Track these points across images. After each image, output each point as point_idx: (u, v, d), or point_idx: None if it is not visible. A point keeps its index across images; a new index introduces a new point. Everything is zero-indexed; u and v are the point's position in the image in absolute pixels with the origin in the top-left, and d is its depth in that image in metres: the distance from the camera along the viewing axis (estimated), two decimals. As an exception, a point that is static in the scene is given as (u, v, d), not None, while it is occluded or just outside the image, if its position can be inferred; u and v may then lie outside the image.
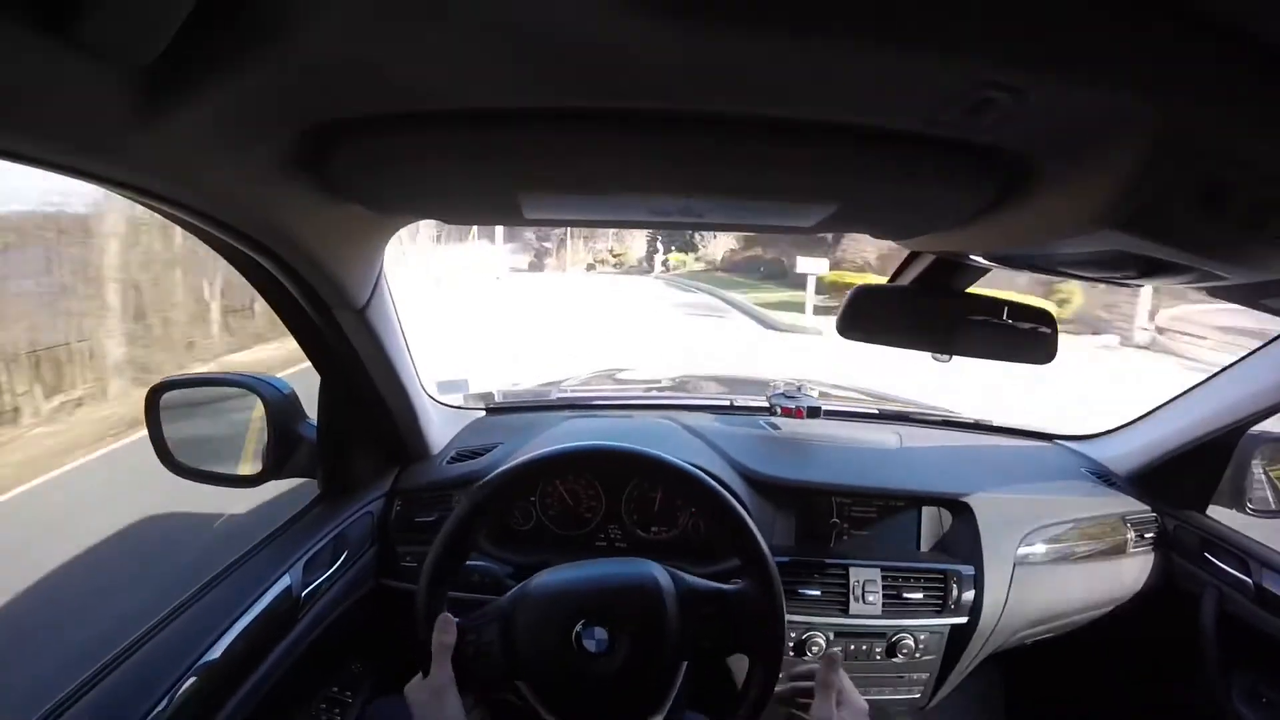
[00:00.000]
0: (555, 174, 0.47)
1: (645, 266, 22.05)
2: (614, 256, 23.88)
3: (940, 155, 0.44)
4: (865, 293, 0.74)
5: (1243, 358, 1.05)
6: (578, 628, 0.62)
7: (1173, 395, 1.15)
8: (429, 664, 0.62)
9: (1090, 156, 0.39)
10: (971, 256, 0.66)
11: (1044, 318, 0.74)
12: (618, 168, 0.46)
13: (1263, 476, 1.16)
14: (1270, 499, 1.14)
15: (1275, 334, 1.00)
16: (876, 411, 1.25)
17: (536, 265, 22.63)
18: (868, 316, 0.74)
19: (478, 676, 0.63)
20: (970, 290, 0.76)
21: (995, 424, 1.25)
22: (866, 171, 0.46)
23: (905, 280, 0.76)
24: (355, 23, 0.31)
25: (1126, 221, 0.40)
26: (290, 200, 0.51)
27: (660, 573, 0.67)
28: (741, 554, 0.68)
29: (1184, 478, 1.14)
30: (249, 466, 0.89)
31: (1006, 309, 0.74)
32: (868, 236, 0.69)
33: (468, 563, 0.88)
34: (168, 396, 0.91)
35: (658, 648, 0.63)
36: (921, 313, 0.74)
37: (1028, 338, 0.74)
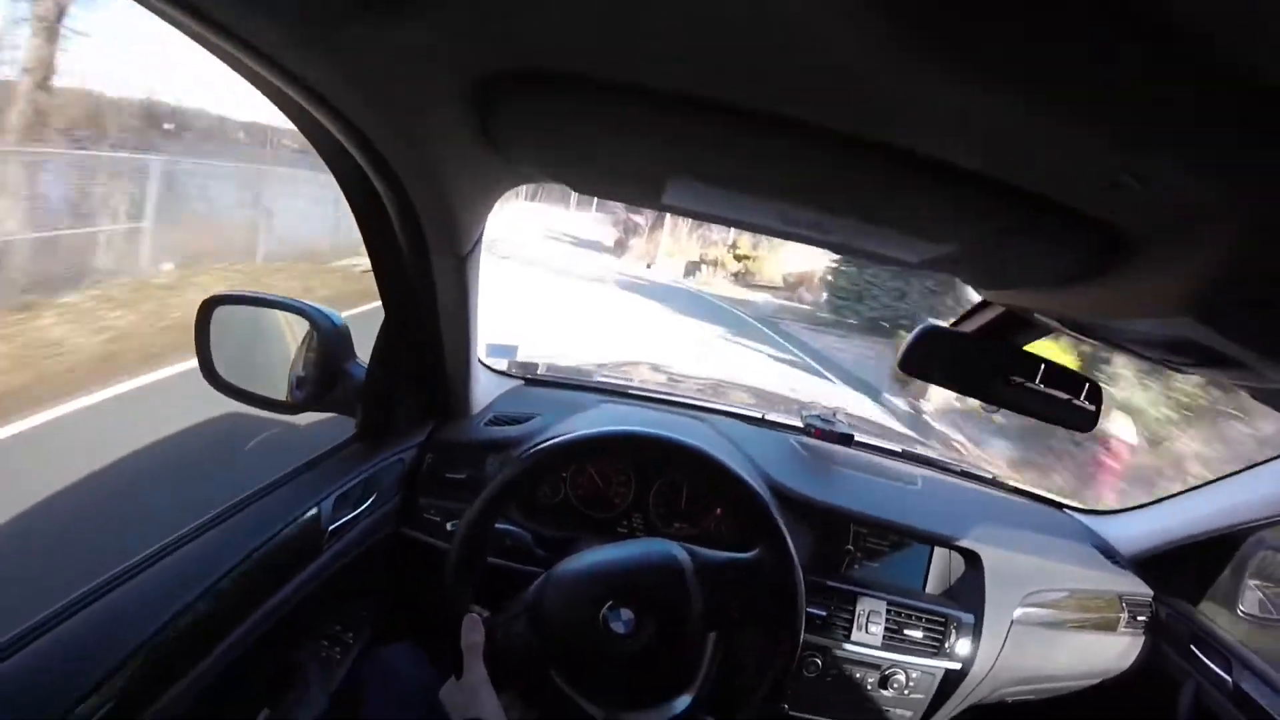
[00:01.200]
0: (705, 163, 0.48)
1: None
2: (739, 260, 14.66)
3: (1055, 219, 0.45)
4: (931, 332, 0.76)
5: (1265, 460, 1.07)
6: (604, 610, 0.64)
7: (1189, 485, 1.17)
8: (459, 665, 0.63)
9: (1190, 244, 0.40)
10: (1039, 316, 0.68)
11: (1093, 390, 0.76)
12: (766, 171, 0.47)
13: (1260, 584, 1.19)
14: (1259, 607, 1.16)
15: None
16: (901, 451, 1.27)
17: (619, 245, 16.21)
18: (930, 356, 0.76)
19: (511, 671, 0.64)
20: (1027, 349, 0.78)
21: (1011, 484, 1.27)
22: (987, 220, 0.47)
23: (969, 327, 0.78)
24: None
25: (1208, 312, 0.41)
26: (443, 136, 0.52)
27: (678, 550, 0.69)
28: (757, 529, 0.70)
29: (1184, 568, 1.16)
30: (289, 393, 0.90)
31: (1058, 373, 0.76)
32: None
33: (501, 525, 0.90)
34: (220, 310, 0.92)
35: (683, 622, 0.65)
36: (979, 361, 0.75)
37: (1073, 405, 0.76)
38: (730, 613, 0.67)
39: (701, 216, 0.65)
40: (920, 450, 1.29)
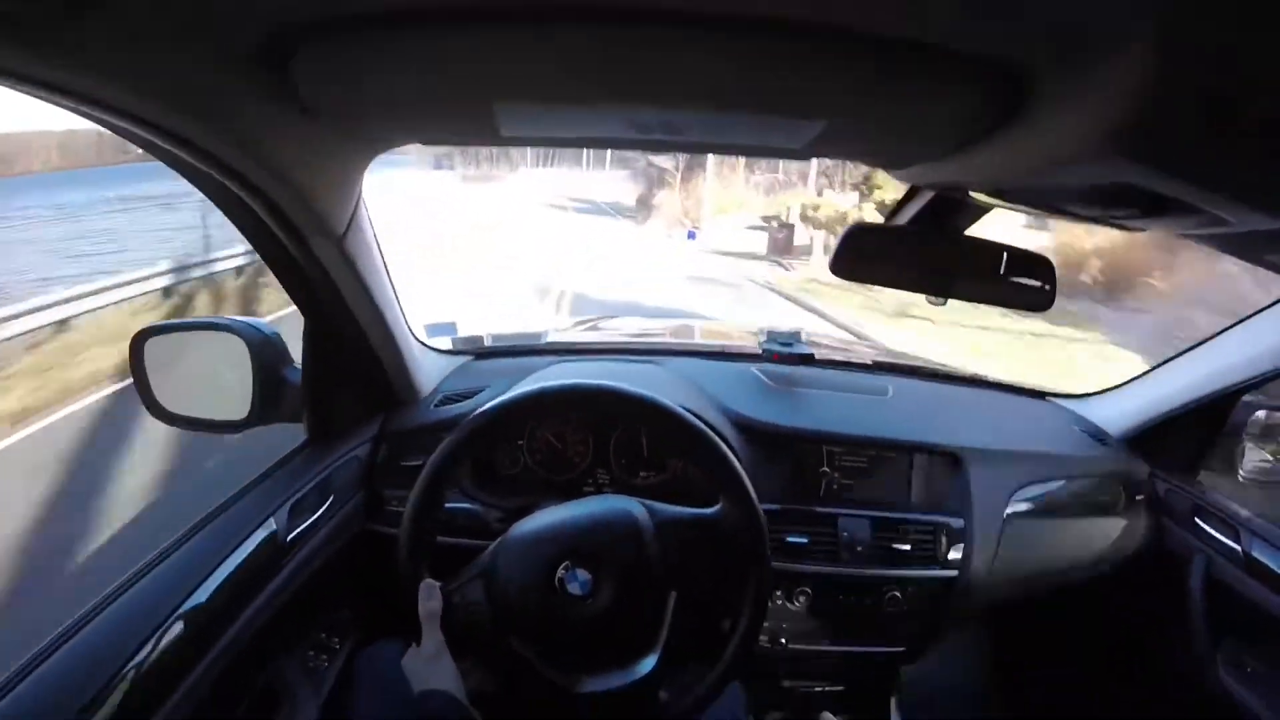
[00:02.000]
0: (532, 82, 0.45)
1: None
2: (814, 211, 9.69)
3: (934, 69, 0.41)
4: (860, 231, 0.73)
5: (1242, 320, 1.04)
6: (560, 572, 0.62)
7: (1169, 356, 1.14)
8: (419, 632, 0.62)
9: (1093, 72, 0.37)
10: (971, 195, 0.65)
11: (1043, 265, 0.73)
12: (597, 75, 0.44)
13: (1259, 446, 1.16)
14: (1262, 468, 1.14)
15: (1276, 297, 0.99)
16: (871, 362, 1.24)
17: (644, 205, 12.86)
18: (862, 255, 0.72)
19: (469, 638, 0.63)
20: (969, 233, 0.74)
21: (990, 379, 1.25)
22: (856, 84, 0.43)
23: (902, 219, 0.75)
24: None
25: (1131, 146, 0.38)
26: (254, 111, 0.49)
27: (636, 506, 0.67)
28: (719, 481, 0.68)
29: (1178, 441, 1.13)
30: (235, 411, 0.88)
31: (1005, 254, 0.73)
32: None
33: (451, 505, 0.88)
34: (151, 342, 0.90)
35: (642, 582, 0.63)
36: (917, 254, 0.72)
37: (1025, 284, 0.73)
38: (692, 571, 0.65)
39: (544, 142, 0.62)
40: (890, 358, 1.26)
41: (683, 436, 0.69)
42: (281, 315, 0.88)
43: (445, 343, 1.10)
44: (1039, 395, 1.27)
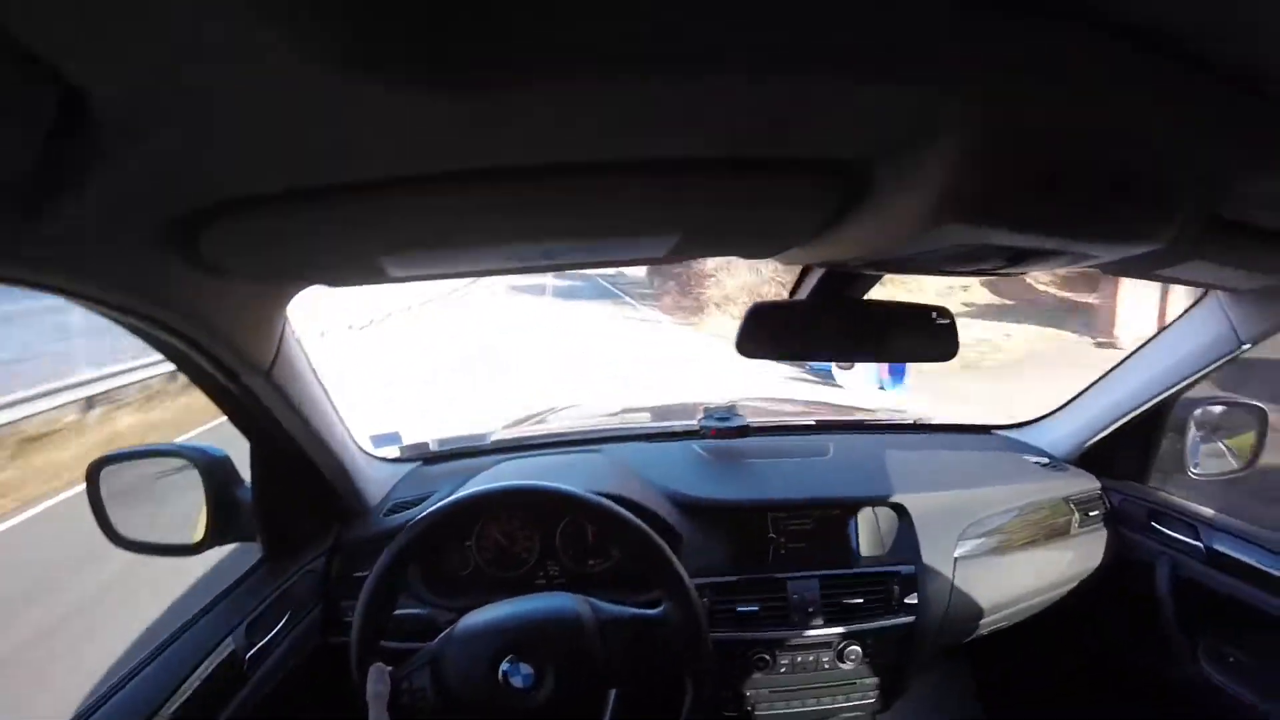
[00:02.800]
0: (416, 235, 0.49)
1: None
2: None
3: (770, 176, 0.44)
4: (761, 310, 0.75)
5: (1164, 328, 1.09)
6: (504, 665, 0.64)
7: (1101, 374, 1.18)
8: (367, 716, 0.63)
9: (921, 154, 0.40)
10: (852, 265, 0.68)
11: (943, 315, 0.76)
12: (473, 226, 0.48)
13: (1204, 442, 1.19)
14: (1212, 462, 1.16)
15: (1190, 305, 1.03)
16: (813, 423, 1.26)
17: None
18: (766, 334, 0.74)
19: None
20: (868, 298, 0.77)
21: (931, 423, 1.27)
22: (701, 200, 0.47)
23: (803, 294, 0.78)
24: (193, 131, 0.33)
25: (969, 213, 0.41)
26: (173, 280, 0.52)
27: (580, 604, 0.68)
28: (659, 579, 0.70)
29: (1124, 452, 1.17)
30: (191, 534, 0.90)
31: (905, 312, 0.76)
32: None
33: (401, 612, 0.89)
34: (107, 471, 0.92)
35: (583, 678, 0.65)
36: (820, 325, 0.75)
37: (928, 338, 0.76)
38: (634, 668, 0.66)
39: (434, 278, 0.65)
40: (830, 416, 1.28)
41: (622, 532, 0.71)
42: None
43: (393, 451, 1.13)
44: (984, 430, 1.31)
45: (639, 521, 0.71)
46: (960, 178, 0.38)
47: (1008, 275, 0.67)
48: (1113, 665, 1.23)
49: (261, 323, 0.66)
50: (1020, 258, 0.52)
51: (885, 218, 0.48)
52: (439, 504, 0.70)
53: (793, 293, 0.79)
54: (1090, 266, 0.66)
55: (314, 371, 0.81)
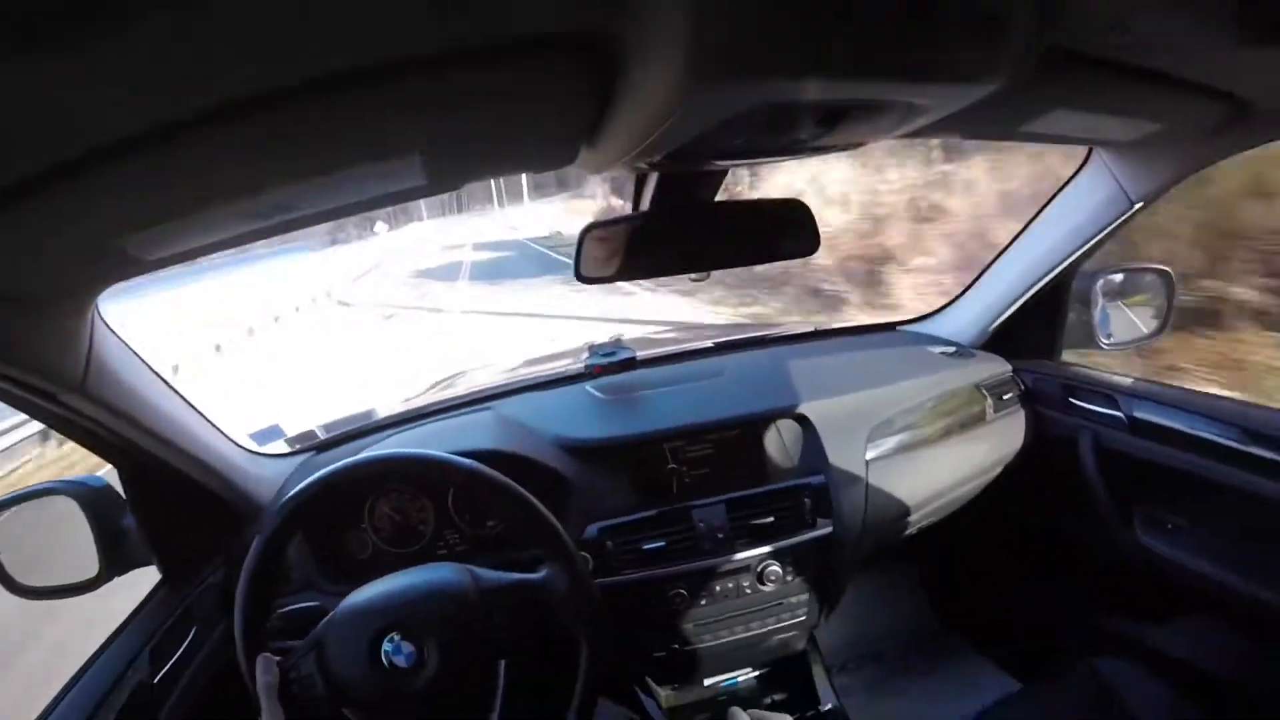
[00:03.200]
0: (124, 211, 0.45)
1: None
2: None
3: (513, 62, 0.40)
4: (597, 230, 0.70)
5: (1047, 202, 1.07)
6: (385, 645, 0.61)
7: (994, 256, 1.17)
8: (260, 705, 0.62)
9: (667, 15, 0.34)
10: (704, 163, 0.64)
11: (797, 207, 0.73)
12: (187, 187, 0.44)
13: (1114, 308, 1.18)
14: (1124, 330, 1.16)
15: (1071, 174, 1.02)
16: (710, 345, 1.23)
17: None
18: (606, 254, 0.70)
19: (307, 711, 0.62)
20: (719, 199, 0.73)
21: (832, 326, 1.26)
22: (437, 104, 0.43)
23: (644, 205, 0.73)
24: None
25: (734, 64, 0.36)
26: None
27: (459, 574, 0.66)
28: (536, 539, 0.67)
29: (1030, 331, 1.16)
30: (87, 570, 0.87)
31: (758, 209, 0.73)
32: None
33: (300, 605, 0.87)
34: (-6, 523, 0.88)
35: (468, 651, 0.62)
36: (665, 235, 0.71)
37: (787, 233, 0.73)
38: (520, 638, 0.64)
39: (196, 255, 0.59)
40: (725, 336, 1.26)
41: (490, 492, 0.68)
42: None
43: (279, 446, 1.09)
44: (887, 327, 1.29)
45: (504, 479, 0.67)
46: (706, 23, 0.33)
47: (843, 149, 0.63)
48: (1052, 545, 1.24)
49: (55, 336, 0.61)
50: (834, 120, 0.47)
51: (648, 96, 0.43)
52: (294, 489, 0.67)
53: (635, 205, 0.75)
54: (939, 128, 0.62)
55: (153, 374, 0.78)
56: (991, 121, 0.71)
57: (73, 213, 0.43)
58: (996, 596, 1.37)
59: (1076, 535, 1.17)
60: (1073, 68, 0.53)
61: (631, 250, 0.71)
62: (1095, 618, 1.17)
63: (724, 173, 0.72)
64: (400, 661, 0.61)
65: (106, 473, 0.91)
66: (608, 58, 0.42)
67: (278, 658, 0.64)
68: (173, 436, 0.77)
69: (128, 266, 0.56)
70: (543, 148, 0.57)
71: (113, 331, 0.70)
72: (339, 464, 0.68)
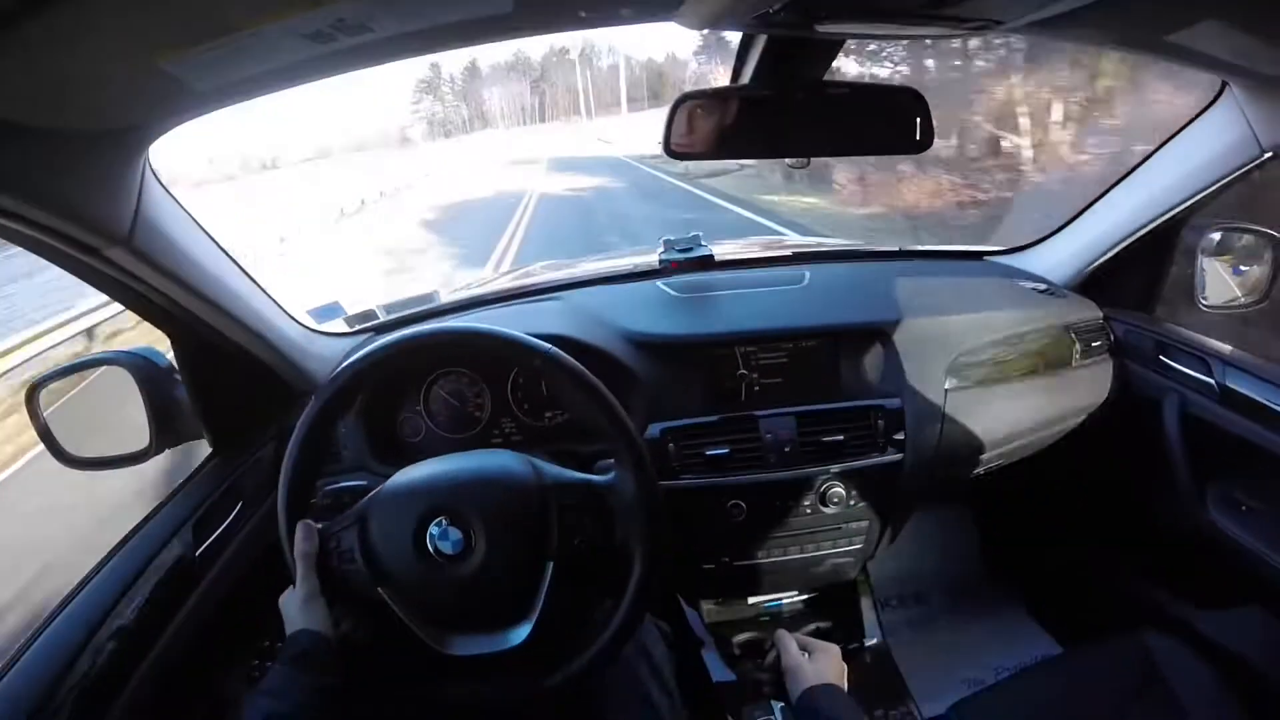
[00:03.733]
0: (175, 23, 0.41)
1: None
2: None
3: None
4: (691, 101, 0.64)
5: (1167, 140, 0.97)
6: (432, 528, 0.58)
7: (1100, 192, 1.08)
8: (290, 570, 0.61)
9: None
10: (817, 30, 0.58)
11: (913, 98, 0.66)
12: None
13: (1215, 268, 1.09)
14: (1224, 292, 1.08)
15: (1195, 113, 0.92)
16: (789, 254, 1.16)
17: None
18: (699, 129, 0.64)
19: (342, 585, 0.60)
20: (826, 79, 0.67)
21: (917, 248, 1.18)
22: None
23: (744, 79, 0.67)
24: None
25: None
26: None
27: (521, 464, 0.62)
28: (608, 437, 0.62)
29: (1128, 278, 1.07)
30: (137, 441, 0.86)
31: (869, 93, 0.66)
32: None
33: (345, 484, 0.85)
34: (45, 392, 0.87)
35: (518, 546, 0.59)
36: (765, 114, 0.64)
37: (898, 125, 0.66)
38: (574, 541, 0.60)
39: (249, 90, 0.54)
40: (806, 248, 1.19)
41: (562, 377, 0.63)
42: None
43: (339, 324, 1.06)
44: (974, 255, 1.20)
45: (582, 369, 0.62)
46: None
47: (982, 25, 0.56)
48: (1117, 510, 1.19)
49: (104, 183, 0.57)
50: None
51: None
52: (358, 353, 0.63)
53: (734, 78, 0.68)
54: (1085, 24, 0.55)
55: (208, 238, 0.74)
56: (1137, 24, 0.63)
57: (113, 24, 0.39)
58: (1051, 554, 1.32)
59: (1145, 502, 1.11)
60: None
61: (727, 126, 0.65)
62: (1150, 592, 1.12)
63: (837, 46, 0.65)
64: (445, 547, 0.58)
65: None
66: None
67: (320, 524, 0.63)
68: (226, 303, 0.74)
69: (179, 99, 0.52)
70: None
71: (165, 188, 0.66)
72: (412, 330, 0.64)
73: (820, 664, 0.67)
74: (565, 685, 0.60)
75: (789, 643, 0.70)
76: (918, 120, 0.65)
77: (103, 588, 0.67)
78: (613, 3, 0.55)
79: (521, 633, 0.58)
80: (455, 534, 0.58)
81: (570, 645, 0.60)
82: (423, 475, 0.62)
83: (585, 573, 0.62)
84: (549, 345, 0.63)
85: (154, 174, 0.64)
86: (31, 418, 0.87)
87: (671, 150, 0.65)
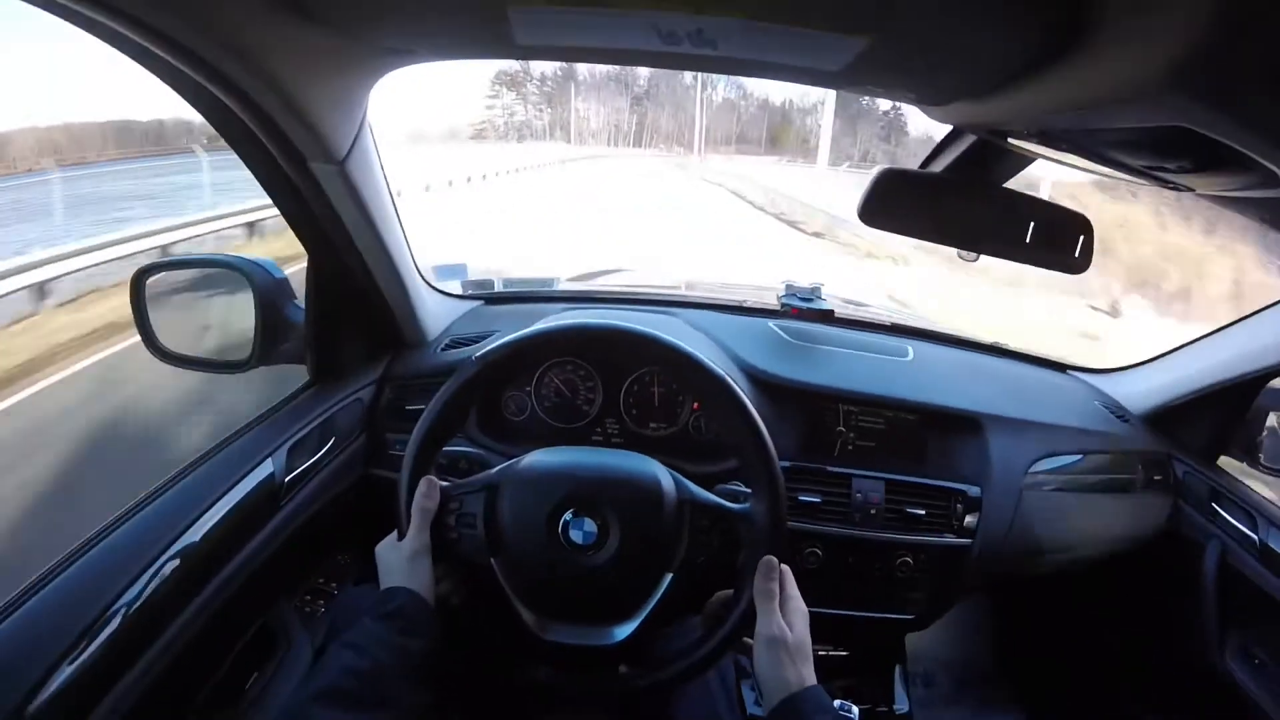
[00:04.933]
0: None
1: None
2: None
3: None
4: (891, 175, 0.68)
5: (1274, 303, 1.01)
6: (566, 515, 0.59)
7: (1197, 336, 1.11)
8: (404, 527, 0.60)
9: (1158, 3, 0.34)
10: (1010, 142, 0.61)
11: (1081, 225, 0.69)
12: None
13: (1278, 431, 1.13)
14: (1283, 455, 1.11)
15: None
16: (890, 324, 1.20)
17: None
18: (893, 203, 0.68)
19: (454, 547, 0.60)
20: (1007, 186, 0.70)
21: (1011, 348, 1.22)
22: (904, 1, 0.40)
23: (938, 167, 0.71)
24: None
25: (1191, 83, 0.35)
26: (251, 13, 0.46)
27: (664, 474, 0.63)
28: (752, 470, 0.63)
29: (1199, 423, 1.10)
30: (237, 351, 0.86)
31: (1043, 210, 0.69)
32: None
33: (457, 449, 0.86)
34: (153, 281, 0.87)
35: (646, 552, 0.60)
36: (951, 204, 0.68)
37: (1062, 245, 0.69)
38: (699, 559, 0.61)
39: (565, 55, 0.57)
40: (910, 322, 1.22)
41: (721, 405, 0.65)
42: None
43: (455, 286, 1.07)
44: (1060, 368, 1.24)
45: (744, 398, 0.64)
46: (1203, 40, 0.32)
47: (1176, 187, 0.60)
48: (1136, 636, 1.21)
49: (345, 101, 0.59)
50: (1211, 163, 0.46)
51: (1093, 72, 0.41)
52: (513, 335, 0.65)
53: (926, 163, 0.72)
54: (1271, 194, 0.58)
55: (386, 180, 0.75)
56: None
57: None
58: (1062, 668, 1.35)
59: (1165, 637, 1.14)
60: None
61: (918, 207, 0.68)
62: None
63: (1029, 160, 0.68)
64: (577, 537, 0.59)
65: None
66: (1076, 22, 0.39)
67: (444, 482, 0.63)
68: (388, 242, 0.75)
69: (477, 43, 0.53)
70: (947, 83, 0.53)
71: (370, 128, 0.68)
72: (568, 322, 0.65)
73: (799, 634, 0.60)
74: (651, 690, 0.60)
75: (771, 603, 0.59)
76: (1080, 242, 0.68)
77: (182, 499, 0.67)
78: (906, 88, 0.58)
79: (623, 632, 0.60)
80: (590, 525, 0.59)
81: (665, 653, 0.62)
82: (568, 461, 0.63)
83: (698, 589, 0.63)
84: (724, 374, 0.65)
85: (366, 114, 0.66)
86: (133, 301, 0.87)
87: (863, 215, 0.68)
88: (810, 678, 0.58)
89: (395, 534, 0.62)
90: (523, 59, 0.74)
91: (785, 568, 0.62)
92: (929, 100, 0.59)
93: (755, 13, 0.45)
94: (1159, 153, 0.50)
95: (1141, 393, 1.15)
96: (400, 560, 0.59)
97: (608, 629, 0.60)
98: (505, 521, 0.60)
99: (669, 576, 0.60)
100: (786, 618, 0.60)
